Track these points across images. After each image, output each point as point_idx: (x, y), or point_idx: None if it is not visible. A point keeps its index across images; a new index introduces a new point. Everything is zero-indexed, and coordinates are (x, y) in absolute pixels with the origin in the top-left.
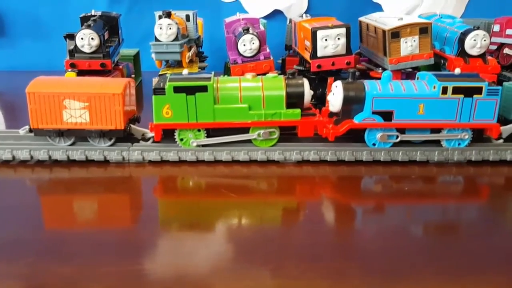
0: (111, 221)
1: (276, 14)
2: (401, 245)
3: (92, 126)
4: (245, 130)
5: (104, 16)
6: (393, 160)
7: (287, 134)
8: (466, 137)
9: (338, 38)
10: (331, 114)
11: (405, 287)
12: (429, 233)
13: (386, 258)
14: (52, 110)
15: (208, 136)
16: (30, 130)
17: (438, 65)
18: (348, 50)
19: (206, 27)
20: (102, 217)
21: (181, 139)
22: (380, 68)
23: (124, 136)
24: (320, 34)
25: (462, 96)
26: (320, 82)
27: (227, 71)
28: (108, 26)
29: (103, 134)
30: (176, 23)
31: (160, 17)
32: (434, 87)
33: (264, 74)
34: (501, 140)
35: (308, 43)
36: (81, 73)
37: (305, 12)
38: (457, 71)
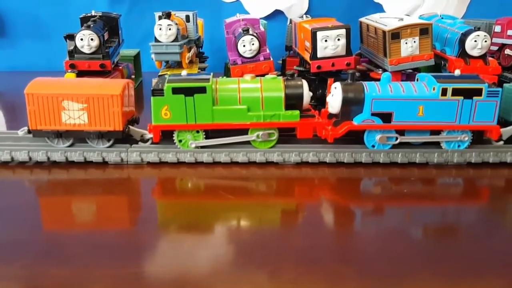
0: (109, 222)
1: (277, 14)
2: (400, 248)
3: (91, 127)
4: (244, 131)
5: (104, 17)
6: (392, 162)
7: (286, 135)
8: (466, 139)
9: (338, 39)
10: (330, 116)
11: None
12: (428, 236)
13: (385, 261)
14: (51, 111)
15: (207, 138)
16: (29, 131)
17: (438, 66)
18: (348, 51)
19: (207, 28)
20: (101, 219)
21: (180, 141)
22: (381, 69)
23: (123, 137)
24: (320, 35)
25: (461, 97)
26: (320, 83)
27: (227, 72)
28: (108, 26)
29: (101, 135)
30: (176, 24)
31: (160, 17)
32: (434, 89)
33: (264, 75)
34: (501, 142)
35: (308, 44)
36: (80, 73)
37: (306, 13)
38: (457, 72)
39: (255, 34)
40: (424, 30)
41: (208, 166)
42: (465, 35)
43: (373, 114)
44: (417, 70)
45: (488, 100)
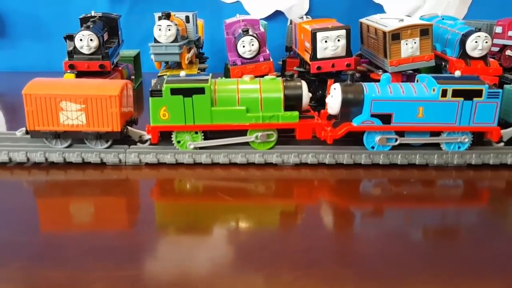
0: (107, 224)
1: (277, 15)
2: (400, 250)
3: (89, 128)
4: (242, 132)
5: (104, 17)
6: (392, 164)
7: (285, 136)
8: (466, 140)
9: (338, 40)
10: (330, 117)
11: None
12: (428, 238)
13: (384, 263)
14: (49, 112)
15: (205, 139)
16: (27, 132)
17: (439, 67)
18: (348, 52)
19: (207, 28)
20: (98, 220)
21: (178, 142)
22: (381, 70)
23: (121, 138)
24: (320, 35)
25: (462, 99)
26: (320, 84)
27: (227, 73)
28: (108, 27)
29: (99, 136)
30: (176, 25)
31: (159, 18)
32: (434, 90)
33: (264, 76)
34: (502, 144)
35: (308, 45)
36: (80, 74)
37: (306, 14)
38: (457, 73)
39: (254, 35)
40: (424, 31)
41: (207, 167)
42: (465, 36)
43: (372, 115)
44: (417, 71)
45: (488, 101)
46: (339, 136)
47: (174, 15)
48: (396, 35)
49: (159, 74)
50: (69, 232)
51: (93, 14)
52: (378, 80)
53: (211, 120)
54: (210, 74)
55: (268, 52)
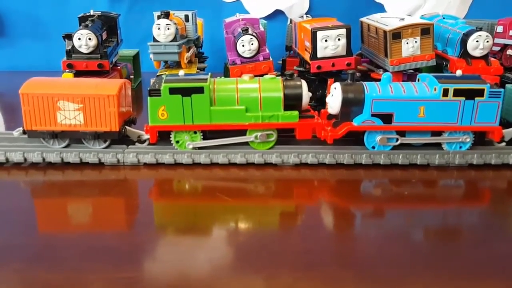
0: (105, 225)
1: (277, 14)
2: (400, 251)
3: (87, 128)
4: (242, 132)
5: (103, 16)
6: (393, 164)
7: (285, 136)
8: (468, 140)
9: (339, 39)
10: (330, 116)
11: None
12: (429, 239)
13: (385, 265)
14: (46, 111)
15: (204, 138)
16: (24, 132)
17: (440, 66)
18: (349, 51)
19: (207, 28)
20: (96, 221)
21: (177, 141)
22: (381, 70)
23: (119, 138)
24: (320, 34)
25: (463, 98)
26: (320, 84)
27: (226, 72)
28: (107, 26)
29: (97, 136)
30: (175, 24)
31: (158, 17)
32: (435, 89)
33: (263, 75)
34: (503, 143)
35: (308, 44)
36: (78, 73)
37: (306, 13)
38: (459, 72)
39: (254, 34)
40: (425, 30)
41: (206, 168)
42: (467, 35)
43: (373, 115)
44: (418, 70)
45: (490, 100)
46: (340, 136)
47: (173, 14)
48: (397, 34)
49: (158, 74)
50: (67, 233)
51: (91, 13)
52: (379, 80)
53: (210, 120)
54: (209, 74)
55: (267, 51)
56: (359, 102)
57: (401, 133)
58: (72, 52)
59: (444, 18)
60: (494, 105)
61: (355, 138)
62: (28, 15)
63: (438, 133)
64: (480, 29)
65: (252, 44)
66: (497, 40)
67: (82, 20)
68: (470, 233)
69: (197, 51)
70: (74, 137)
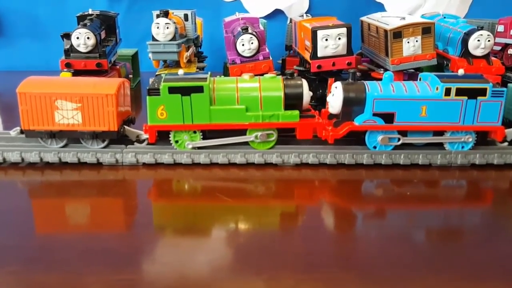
0: (103, 226)
1: (277, 13)
2: (402, 252)
3: (85, 127)
4: (242, 132)
5: (101, 15)
6: (394, 164)
7: (285, 136)
8: (470, 140)
9: (339, 38)
10: (331, 116)
11: None
12: (431, 240)
13: (387, 265)
14: (44, 111)
15: (204, 138)
16: (21, 132)
17: (441, 66)
18: (349, 50)
19: (206, 27)
20: (94, 222)
21: (176, 141)
22: (382, 69)
23: (118, 138)
24: (320, 33)
25: (465, 97)
26: (320, 83)
27: (226, 72)
28: (105, 25)
29: (96, 136)
30: (174, 23)
31: (157, 16)
32: (437, 89)
33: (263, 74)
34: (506, 143)
35: (308, 43)
36: (77, 73)
37: (306, 12)
38: (461, 72)
39: (254, 33)
40: (426, 29)
41: (205, 168)
42: (468, 35)
43: (374, 115)
44: (419, 70)
45: (492, 100)
46: (341, 136)
47: (173, 13)
48: (398, 34)
49: (157, 73)
50: (64, 234)
51: (90, 12)
52: (380, 79)
53: (210, 120)
54: (209, 73)
55: (267, 50)
56: (360, 102)
57: (403, 133)
58: (70, 51)
59: (444, 17)
60: (496, 104)
61: (356, 138)
62: (26, 14)
63: (440, 133)
64: (481, 28)
65: (252, 43)
66: (498, 40)
67: (81, 19)
68: (472, 234)
69: (197, 50)
70: (72, 137)
